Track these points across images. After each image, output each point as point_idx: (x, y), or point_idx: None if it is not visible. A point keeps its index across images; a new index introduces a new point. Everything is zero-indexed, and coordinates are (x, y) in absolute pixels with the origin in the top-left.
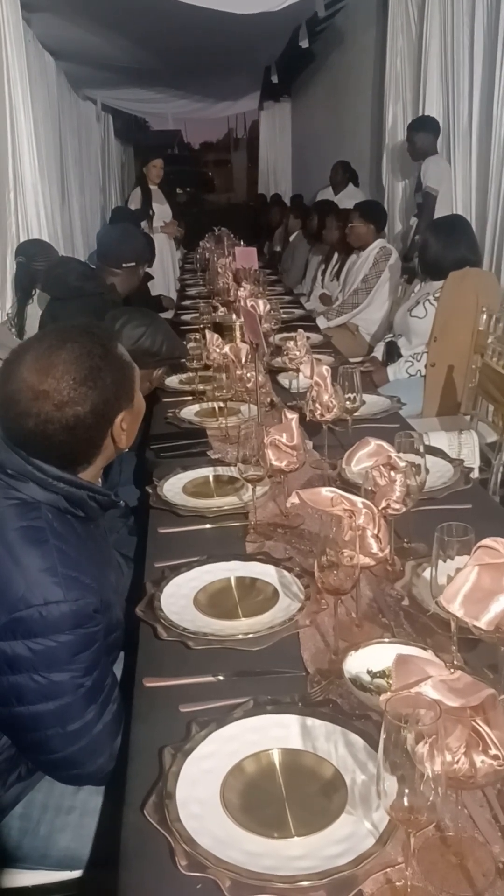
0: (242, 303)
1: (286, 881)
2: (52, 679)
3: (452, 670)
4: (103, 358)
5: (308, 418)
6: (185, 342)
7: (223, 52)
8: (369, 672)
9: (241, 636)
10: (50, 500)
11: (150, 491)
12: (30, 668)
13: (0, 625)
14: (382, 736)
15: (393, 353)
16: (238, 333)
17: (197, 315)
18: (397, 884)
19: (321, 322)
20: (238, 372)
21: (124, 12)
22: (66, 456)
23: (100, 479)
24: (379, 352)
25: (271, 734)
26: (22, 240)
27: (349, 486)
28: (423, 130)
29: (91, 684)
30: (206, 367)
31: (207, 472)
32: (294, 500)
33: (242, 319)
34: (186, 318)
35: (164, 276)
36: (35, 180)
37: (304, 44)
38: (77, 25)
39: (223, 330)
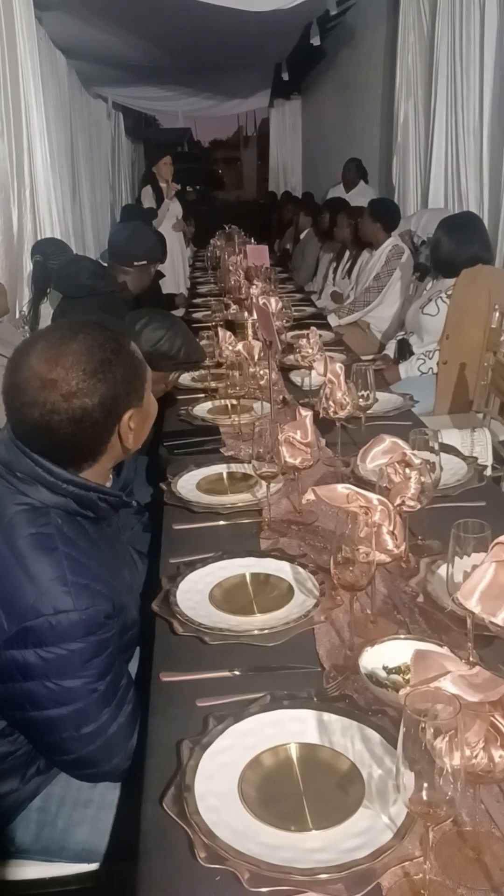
0: (255, 300)
1: (305, 874)
2: (64, 685)
3: (471, 666)
4: (115, 352)
5: (321, 415)
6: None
7: (234, 50)
8: (385, 668)
9: (256, 632)
10: (59, 504)
11: (165, 488)
12: (41, 676)
13: (11, 633)
14: (402, 730)
15: (405, 350)
16: (250, 331)
17: (209, 313)
18: (415, 877)
19: (332, 320)
20: (251, 369)
21: (135, 11)
22: (70, 451)
23: (111, 478)
24: (391, 349)
25: (288, 729)
26: (36, 238)
27: (362, 483)
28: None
29: (104, 688)
30: (219, 365)
31: (221, 468)
32: (310, 496)
33: (255, 317)
34: (198, 315)
35: (174, 273)
36: (47, 178)
37: (316, 41)
38: (88, 24)
39: (235, 327)
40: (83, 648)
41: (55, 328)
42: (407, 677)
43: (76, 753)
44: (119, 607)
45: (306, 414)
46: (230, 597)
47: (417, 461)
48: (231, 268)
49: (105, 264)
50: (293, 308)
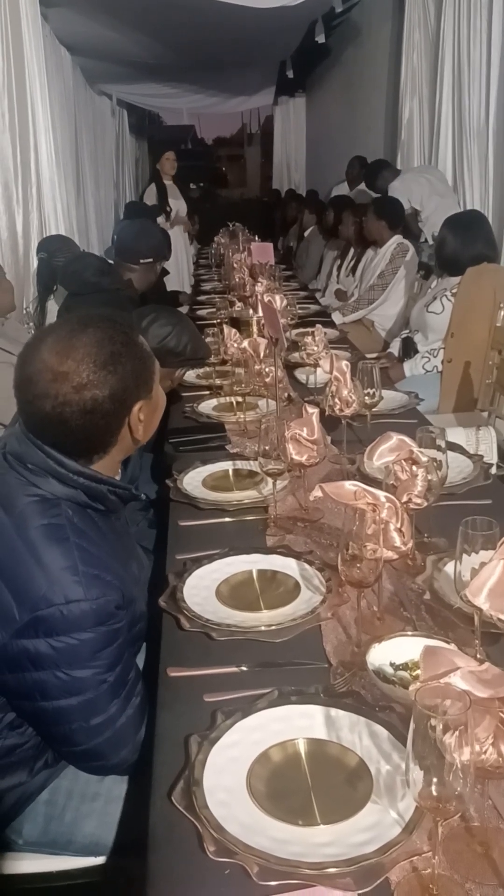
0: (260, 298)
1: (313, 868)
2: (75, 675)
3: (480, 662)
4: (125, 345)
5: (327, 413)
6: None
7: (239, 47)
8: (392, 664)
9: (263, 628)
10: (69, 496)
11: (171, 484)
12: (52, 665)
13: (22, 623)
14: (412, 726)
15: (409, 348)
16: (255, 328)
17: (213, 310)
18: (423, 872)
19: (336, 318)
20: (256, 367)
21: (140, 7)
22: (81, 442)
23: (119, 473)
24: (395, 347)
25: (296, 724)
26: (42, 235)
27: (368, 480)
28: (383, 171)
29: (114, 679)
30: (224, 362)
31: (226, 465)
32: (317, 493)
33: (260, 314)
34: (202, 313)
35: (177, 271)
36: (52, 175)
37: (321, 38)
38: (93, 20)
39: (240, 325)
40: (93, 638)
41: (65, 322)
42: (414, 674)
43: (84, 745)
44: (128, 598)
45: (313, 411)
46: (237, 593)
47: (424, 459)
48: (235, 265)
49: (111, 261)
50: (297, 306)
